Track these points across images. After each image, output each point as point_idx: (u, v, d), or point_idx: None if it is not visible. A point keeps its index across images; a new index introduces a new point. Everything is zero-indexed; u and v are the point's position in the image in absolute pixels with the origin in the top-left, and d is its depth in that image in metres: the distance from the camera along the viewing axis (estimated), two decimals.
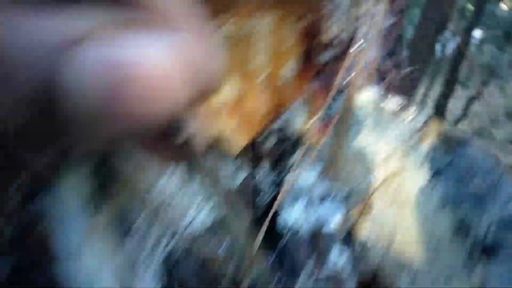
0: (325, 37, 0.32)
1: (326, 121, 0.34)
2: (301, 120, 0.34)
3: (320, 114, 0.34)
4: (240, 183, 0.37)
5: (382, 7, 0.37)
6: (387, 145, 0.34)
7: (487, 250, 0.27)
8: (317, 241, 0.35)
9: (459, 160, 0.30)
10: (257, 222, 0.38)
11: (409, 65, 0.60)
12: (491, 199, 0.28)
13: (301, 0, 0.29)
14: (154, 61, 0.12)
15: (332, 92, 0.34)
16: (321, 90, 0.33)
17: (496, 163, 0.29)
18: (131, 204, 0.29)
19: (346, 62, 0.34)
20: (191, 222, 0.31)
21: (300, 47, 0.32)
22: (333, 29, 0.32)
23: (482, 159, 0.29)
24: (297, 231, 0.35)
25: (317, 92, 0.33)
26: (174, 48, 0.13)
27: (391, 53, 0.51)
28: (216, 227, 0.38)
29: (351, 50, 0.34)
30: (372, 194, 0.35)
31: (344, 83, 0.33)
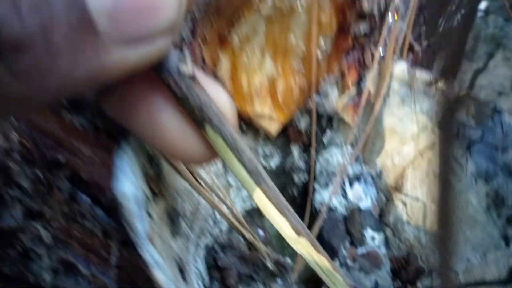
0: (362, 8, 0.32)
1: (358, 98, 0.35)
2: (335, 97, 0.35)
3: (353, 90, 0.35)
4: (277, 165, 0.38)
5: None
6: (418, 120, 0.35)
7: None
8: (353, 219, 0.36)
9: (490, 133, 0.31)
10: (293, 201, 0.39)
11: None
12: None
13: None
14: None
15: (365, 68, 0.34)
16: (354, 65, 0.34)
17: None
18: (177, 200, 0.30)
19: (379, 36, 0.34)
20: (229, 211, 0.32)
21: (336, 21, 0.32)
22: (366, 2, 0.32)
23: None
24: (334, 210, 0.36)
25: (351, 67, 0.34)
26: None
27: (414, 24, 0.51)
28: (252, 215, 0.40)
29: (384, 24, 0.34)
30: (404, 171, 0.36)
31: (377, 57, 0.33)
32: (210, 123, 0.16)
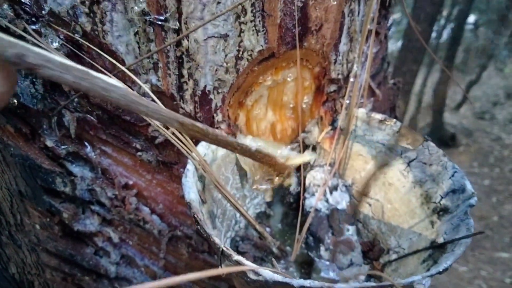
0: (331, 76, 0.48)
1: (333, 133, 0.50)
2: (316, 133, 0.50)
3: (328, 128, 0.50)
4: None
5: (370, 45, 0.52)
6: (375, 146, 0.50)
7: (441, 212, 0.42)
8: (333, 217, 0.51)
9: (421, 154, 0.46)
10: (290, 206, 0.54)
11: (392, 77, 0.75)
12: (442, 177, 0.43)
13: (315, 54, 0.45)
14: None
15: (337, 112, 0.49)
16: (329, 112, 0.49)
17: (443, 154, 0.44)
18: (213, 205, 0.45)
19: (345, 92, 0.50)
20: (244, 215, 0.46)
21: (314, 85, 0.47)
22: (336, 70, 0.48)
23: (435, 152, 0.45)
24: (319, 211, 0.51)
25: (326, 113, 0.49)
26: None
27: (378, 72, 0.67)
28: (261, 217, 0.54)
29: (349, 82, 0.50)
30: (368, 182, 0.51)
31: (344, 105, 0.49)
32: None
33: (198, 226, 0.34)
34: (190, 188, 0.36)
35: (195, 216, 0.34)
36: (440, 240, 0.40)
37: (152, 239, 0.51)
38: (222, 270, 0.24)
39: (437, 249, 0.40)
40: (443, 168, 0.44)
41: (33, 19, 0.40)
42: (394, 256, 0.47)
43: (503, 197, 4.31)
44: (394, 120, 0.49)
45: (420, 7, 4.23)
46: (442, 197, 0.43)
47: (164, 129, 0.40)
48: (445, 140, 5.01)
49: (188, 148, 0.40)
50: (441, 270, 0.31)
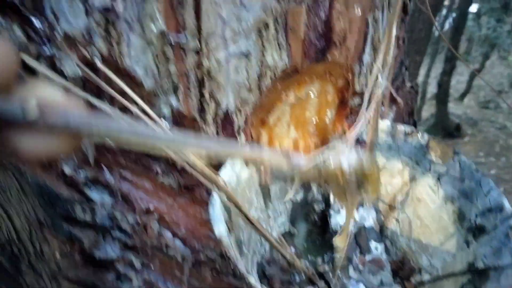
0: (355, 89, 0.46)
1: (358, 146, 0.48)
2: (340, 149, 0.48)
3: (352, 142, 0.48)
4: (301, 198, 0.51)
5: (391, 52, 0.50)
6: (401, 160, 0.48)
7: (477, 232, 0.40)
8: (361, 235, 0.49)
9: (452, 168, 0.44)
10: (314, 224, 0.52)
11: (409, 81, 0.73)
12: (476, 194, 0.41)
13: (339, 67, 0.43)
14: None
15: (361, 126, 0.47)
16: (352, 126, 0.47)
17: (476, 170, 0.42)
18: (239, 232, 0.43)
19: (368, 105, 0.48)
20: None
21: (337, 98, 0.45)
22: (360, 82, 0.46)
23: (468, 166, 0.43)
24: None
25: (350, 127, 0.47)
26: None
27: (397, 76, 0.65)
28: (285, 237, 0.52)
29: (372, 94, 0.48)
30: (394, 197, 0.49)
31: (368, 118, 0.47)
32: None
33: (230, 262, 0.32)
34: (219, 220, 0.34)
35: (227, 252, 0.32)
36: (480, 264, 0.38)
37: (175, 263, 0.49)
38: None
39: (476, 274, 0.38)
40: (477, 184, 0.42)
41: (46, 42, 0.38)
42: (426, 276, 0.45)
43: (510, 186, 4.28)
44: (421, 133, 0.47)
45: None
46: (477, 216, 0.41)
47: (184, 160, 0.38)
48: (450, 130, 4.96)
49: (211, 177, 0.38)
50: None
